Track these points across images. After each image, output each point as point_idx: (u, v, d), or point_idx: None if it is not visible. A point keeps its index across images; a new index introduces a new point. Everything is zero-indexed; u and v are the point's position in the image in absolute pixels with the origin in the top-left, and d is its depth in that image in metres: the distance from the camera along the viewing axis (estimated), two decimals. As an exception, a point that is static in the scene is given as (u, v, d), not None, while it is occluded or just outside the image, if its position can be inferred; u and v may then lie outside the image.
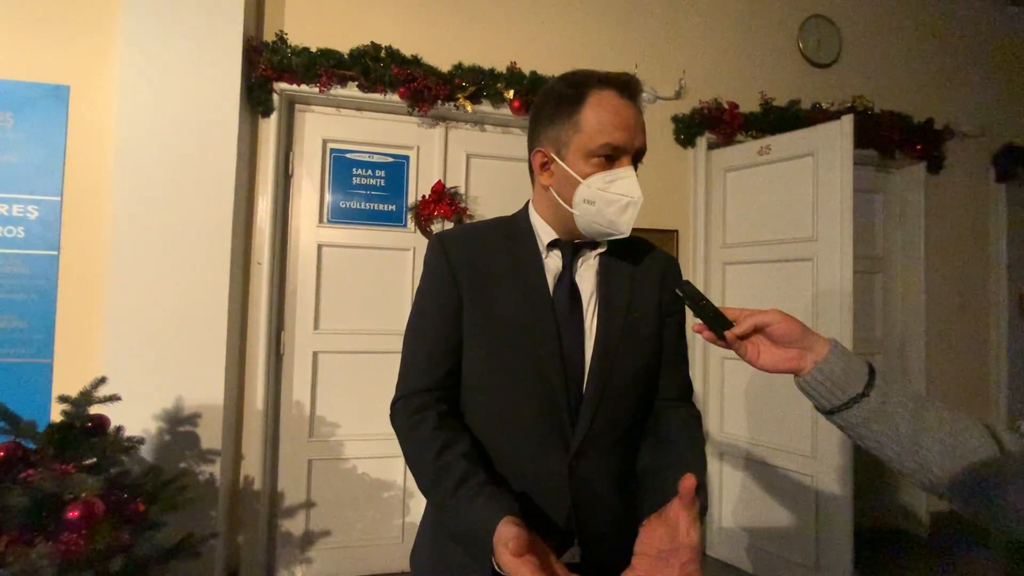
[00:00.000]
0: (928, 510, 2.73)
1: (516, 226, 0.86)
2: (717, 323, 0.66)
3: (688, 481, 0.59)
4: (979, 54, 2.97)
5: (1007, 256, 2.91)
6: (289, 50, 2.04)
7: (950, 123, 2.79)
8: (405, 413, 0.78)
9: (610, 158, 0.74)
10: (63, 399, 1.38)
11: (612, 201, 0.74)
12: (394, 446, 2.19)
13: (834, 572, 2.02)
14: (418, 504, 2.24)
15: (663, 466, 0.75)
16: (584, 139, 0.74)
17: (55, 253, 1.90)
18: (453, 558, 0.79)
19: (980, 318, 2.92)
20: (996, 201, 2.94)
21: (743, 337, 0.64)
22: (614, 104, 0.74)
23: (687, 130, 2.49)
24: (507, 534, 0.59)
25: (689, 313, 0.70)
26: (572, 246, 0.81)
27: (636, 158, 0.77)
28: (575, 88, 0.76)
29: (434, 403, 0.78)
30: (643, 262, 0.86)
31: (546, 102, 0.79)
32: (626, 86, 0.76)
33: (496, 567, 0.61)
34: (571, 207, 0.77)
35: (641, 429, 0.84)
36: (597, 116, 0.73)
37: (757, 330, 0.63)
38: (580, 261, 0.82)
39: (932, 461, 0.52)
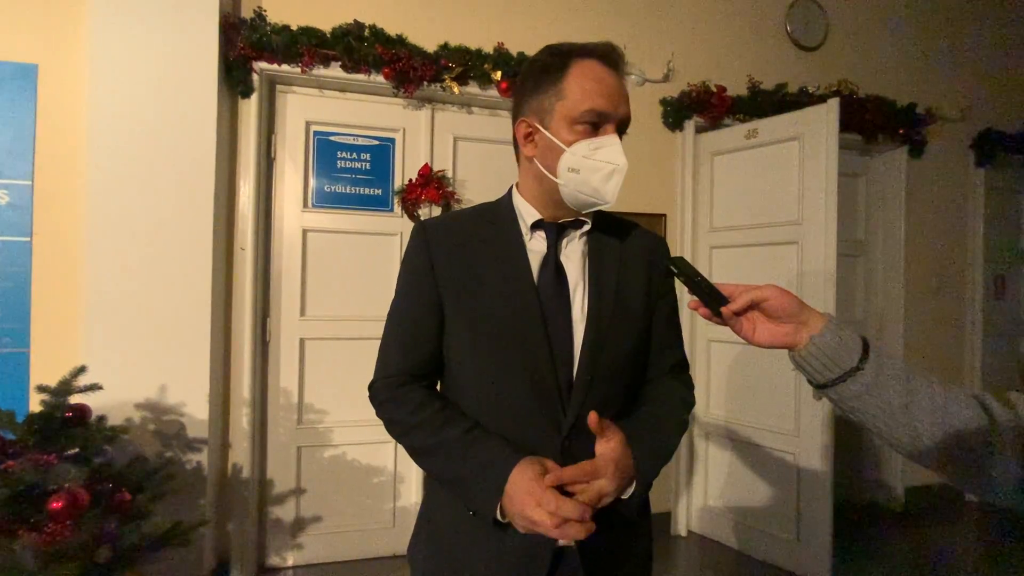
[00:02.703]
0: (903, 485, 2.83)
1: (498, 210, 0.85)
2: (713, 299, 0.65)
3: (590, 416, 0.68)
4: (961, 39, 3.00)
5: (984, 239, 2.99)
6: (268, 28, 1.97)
7: (932, 108, 2.82)
8: (387, 389, 0.81)
9: (594, 125, 0.74)
10: (42, 389, 1.35)
11: (597, 169, 0.74)
12: (383, 432, 2.18)
13: (814, 545, 2.09)
14: (408, 489, 2.25)
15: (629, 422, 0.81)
16: (568, 106, 0.74)
17: (27, 239, 1.83)
18: (451, 549, 0.80)
19: (957, 300, 3.00)
20: (975, 185, 3.00)
21: (739, 313, 0.64)
22: (597, 72, 0.74)
23: (675, 113, 2.48)
24: (536, 462, 0.69)
25: (684, 290, 0.70)
26: (556, 227, 0.81)
27: (621, 128, 0.77)
28: (559, 57, 0.76)
29: (415, 380, 0.81)
30: (631, 243, 0.85)
31: (530, 73, 0.79)
32: (608, 55, 0.76)
33: (499, 511, 0.69)
34: (555, 177, 0.76)
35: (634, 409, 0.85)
36: (580, 84, 0.74)
37: (753, 305, 0.63)
38: (565, 242, 0.82)
39: (923, 433, 0.53)
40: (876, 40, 2.82)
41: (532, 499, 0.64)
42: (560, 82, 0.75)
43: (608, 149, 0.74)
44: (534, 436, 0.75)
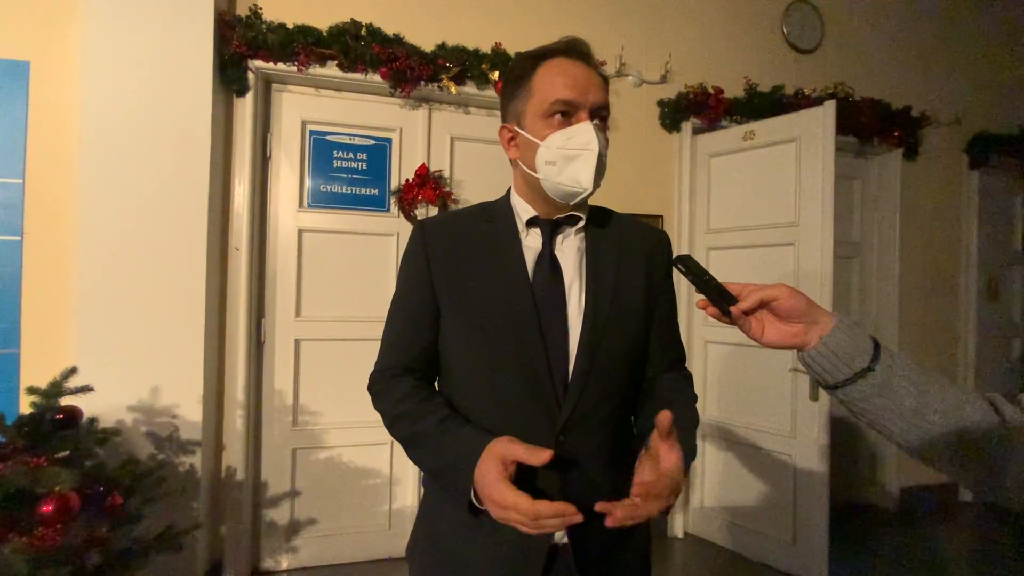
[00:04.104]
0: (898, 485, 2.84)
1: (496, 209, 0.86)
2: (721, 298, 0.64)
3: (663, 415, 0.65)
4: (955, 42, 3.02)
5: (977, 241, 3.01)
6: (264, 26, 1.96)
7: (926, 110, 2.84)
8: (380, 381, 0.84)
9: (566, 115, 0.76)
10: (32, 390, 1.32)
11: (572, 157, 0.75)
12: (379, 433, 2.18)
13: (810, 546, 2.09)
14: (404, 491, 2.23)
15: (652, 414, 0.78)
16: (537, 102, 0.77)
17: (18, 238, 1.81)
18: (448, 546, 0.80)
19: (950, 302, 3.02)
20: (969, 188, 3.02)
21: (748, 312, 0.63)
22: (562, 66, 0.77)
23: (672, 115, 2.48)
24: (497, 462, 0.67)
25: (691, 288, 0.69)
26: (551, 223, 0.81)
27: (596, 115, 0.77)
28: (528, 61, 0.79)
29: (408, 374, 0.83)
30: (631, 239, 0.86)
31: (507, 80, 0.83)
32: (572, 48, 0.78)
33: (473, 497, 0.69)
34: (536, 172, 0.78)
35: (632, 406, 0.85)
36: (547, 78, 0.77)
37: (762, 305, 0.62)
38: (561, 238, 0.82)
39: (935, 435, 0.52)
40: (871, 43, 2.84)
41: (496, 504, 0.65)
42: (530, 83, 0.78)
43: (580, 136, 0.75)
44: (529, 431, 0.74)
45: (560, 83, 0.75)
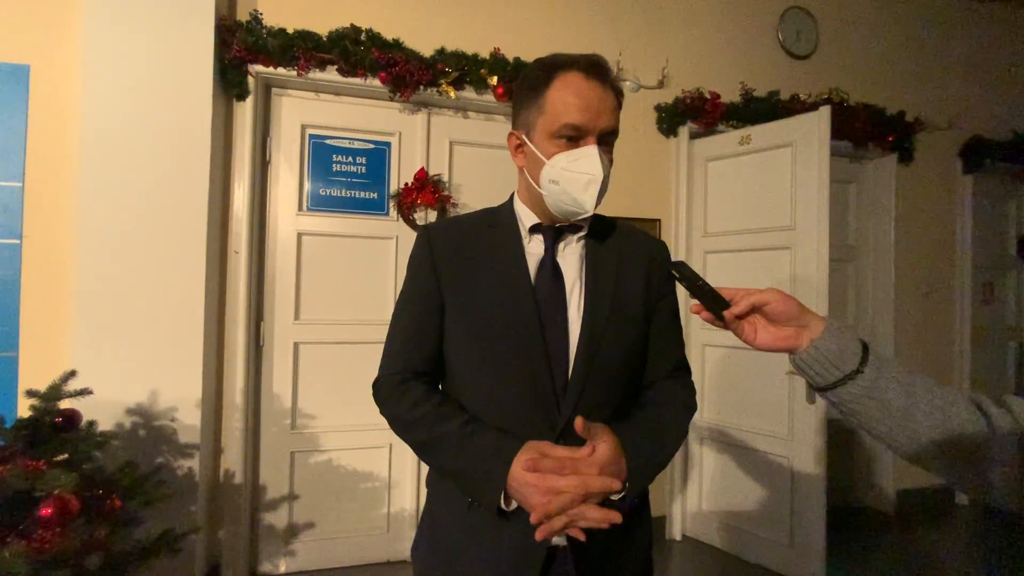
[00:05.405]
0: (895, 488, 2.85)
1: (499, 214, 0.87)
2: (715, 303, 0.65)
3: (577, 421, 0.69)
4: (949, 48, 3.05)
5: (972, 245, 3.03)
6: (264, 31, 1.97)
7: (920, 115, 2.87)
8: (389, 385, 0.83)
9: (573, 139, 0.76)
10: (31, 393, 1.33)
11: (575, 180, 0.75)
12: (378, 436, 2.19)
13: (807, 549, 2.10)
14: (402, 494, 2.23)
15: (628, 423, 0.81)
16: (548, 120, 0.76)
17: (17, 241, 1.81)
18: (450, 545, 0.81)
19: (945, 305, 3.04)
20: (963, 192, 3.05)
21: (741, 317, 0.64)
22: (578, 85, 0.75)
23: (670, 119, 2.50)
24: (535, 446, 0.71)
25: (686, 294, 0.70)
26: (554, 230, 0.83)
27: (605, 139, 0.77)
28: (544, 71, 0.78)
29: (416, 378, 0.83)
30: (629, 246, 0.87)
31: (520, 86, 0.82)
32: (592, 67, 0.76)
33: (502, 500, 0.71)
34: (539, 188, 0.79)
35: (631, 410, 0.85)
36: (560, 97, 0.75)
37: (754, 309, 0.63)
38: (563, 245, 0.84)
39: (922, 436, 0.53)
40: (866, 49, 2.87)
41: (536, 489, 0.67)
42: (542, 96, 0.76)
43: (585, 160, 0.75)
44: (529, 434, 0.76)
45: (573, 105, 0.74)
